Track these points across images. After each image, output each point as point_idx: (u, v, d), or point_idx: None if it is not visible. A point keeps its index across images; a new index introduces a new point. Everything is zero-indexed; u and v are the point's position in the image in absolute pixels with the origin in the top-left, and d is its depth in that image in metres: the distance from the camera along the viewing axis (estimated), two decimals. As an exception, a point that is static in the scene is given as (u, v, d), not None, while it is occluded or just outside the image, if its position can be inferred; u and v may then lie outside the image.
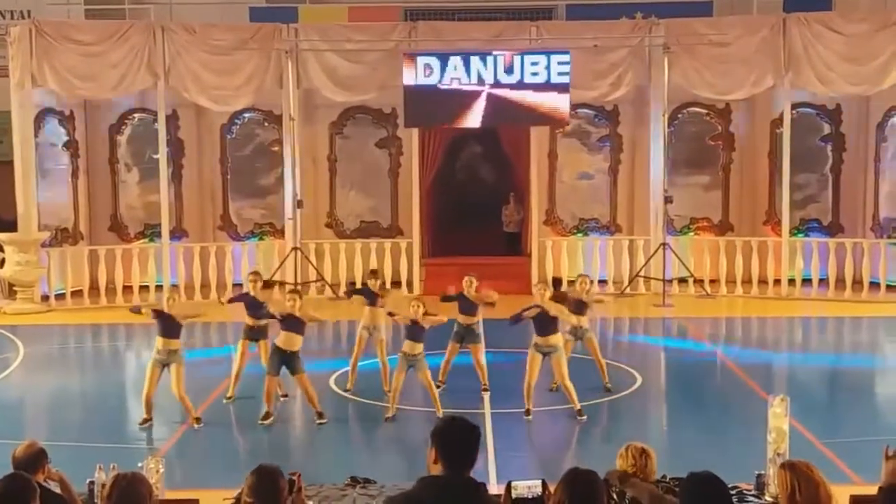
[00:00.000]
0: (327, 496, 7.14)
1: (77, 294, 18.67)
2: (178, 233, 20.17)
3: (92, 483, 6.72)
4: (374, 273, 12.89)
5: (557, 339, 10.88)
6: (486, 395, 11.83)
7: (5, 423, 11.00)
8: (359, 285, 18.68)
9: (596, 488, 4.30)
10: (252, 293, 12.17)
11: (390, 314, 11.64)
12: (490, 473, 8.98)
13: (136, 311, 11.58)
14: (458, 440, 4.25)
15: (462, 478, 4.21)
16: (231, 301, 13.18)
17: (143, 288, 18.85)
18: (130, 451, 9.46)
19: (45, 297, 18.46)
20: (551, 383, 11.64)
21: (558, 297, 11.60)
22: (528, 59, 18.24)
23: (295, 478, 4.97)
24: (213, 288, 18.81)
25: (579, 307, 11.86)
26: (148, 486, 4.79)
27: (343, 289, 18.74)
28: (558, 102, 18.37)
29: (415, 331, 10.85)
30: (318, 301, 18.03)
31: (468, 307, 11.79)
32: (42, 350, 15.44)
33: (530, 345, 10.95)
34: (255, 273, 12.82)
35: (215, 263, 19.01)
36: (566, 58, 18.16)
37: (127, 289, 18.78)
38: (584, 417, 10.81)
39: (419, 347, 10.86)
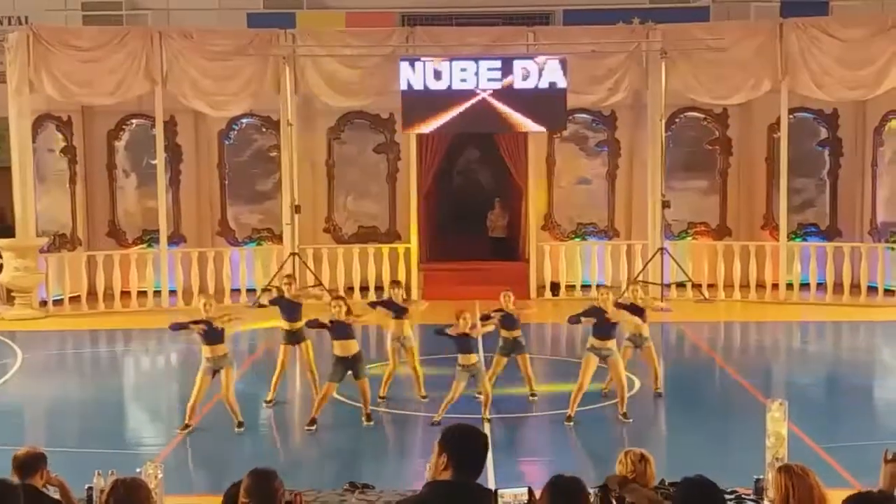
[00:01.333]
0: (326, 501, 7.14)
1: (75, 300, 18.66)
2: (176, 238, 20.17)
3: (90, 489, 6.72)
4: (396, 283, 12.64)
5: (613, 343, 10.96)
6: (533, 401, 11.91)
7: (4, 429, 10.98)
8: (356, 291, 18.77)
9: (579, 495, 4.30)
10: (287, 296, 12.16)
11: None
12: (489, 480, 8.98)
13: (180, 327, 11.10)
14: (471, 448, 4.27)
15: (470, 483, 4.23)
16: (271, 303, 12.60)
17: (142, 293, 18.85)
18: (129, 457, 9.43)
19: (44, 303, 18.45)
20: (602, 388, 11.87)
21: (618, 307, 11.62)
22: (526, 63, 18.28)
23: (293, 498, 4.95)
24: (212, 293, 18.78)
25: (636, 313, 11.88)
26: (146, 491, 4.79)
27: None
28: (556, 107, 18.39)
29: (465, 343, 10.81)
30: (317, 306, 17.99)
31: (509, 322, 11.77)
32: (40, 356, 15.43)
33: (585, 348, 10.98)
34: (290, 276, 12.78)
35: (213, 269, 19.02)
36: (564, 62, 18.19)
37: (125, 294, 18.79)
38: (630, 420, 10.86)
39: (473, 358, 10.84)
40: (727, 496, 6.81)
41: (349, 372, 10.88)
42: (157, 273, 18.94)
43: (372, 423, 10.95)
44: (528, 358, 12.00)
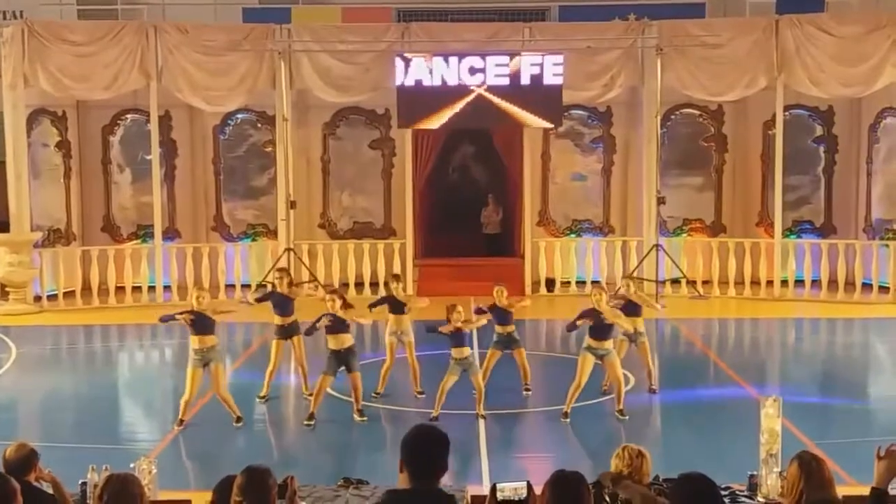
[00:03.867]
0: (320, 497, 7.12)
1: (69, 295, 18.63)
2: (170, 233, 20.14)
3: (84, 484, 6.71)
4: (396, 278, 12.62)
5: (611, 343, 10.95)
6: (528, 395, 11.97)
7: (-3, 424, 10.99)
8: (352, 287, 18.79)
9: (581, 490, 4.28)
10: (279, 290, 12.14)
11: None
12: (483, 475, 9.00)
13: (169, 319, 11.05)
14: (422, 450, 4.12)
15: (430, 489, 4.10)
16: (259, 300, 12.74)
17: (136, 289, 18.82)
18: (123, 452, 9.43)
19: (38, 298, 18.42)
20: (602, 384, 11.83)
21: (614, 304, 11.57)
22: (521, 60, 18.26)
23: (289, 481, 4.97)
24: (207, 289, 18.74)
25: (633, 310, 11.88)
26: (140, 486, 4.78)
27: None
28: (551, 103, 18.39)
29: (458, 337, 10.86)
30: (313, 302, 17.98)
31: (502, 317, 11.79)
32: (34, 351, 15.41)
33: (581, 347, 10.97)
34: (283, 270, 12.76)
35: (208, 264, 18.99)
36: (559, 59, 18.18)
37: (119, 290, 18.76)
38: (626, 417, 10.86)
39: (466, 351, 10.90)
40: (721, 492, 6.82)
41: (342, 366, 10.89)
42: (151, 268, 18.91)
43: (365, 419, 10.94)
44: (524, 352, 12.00)
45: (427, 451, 4.12)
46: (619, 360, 11.11)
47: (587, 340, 10.92)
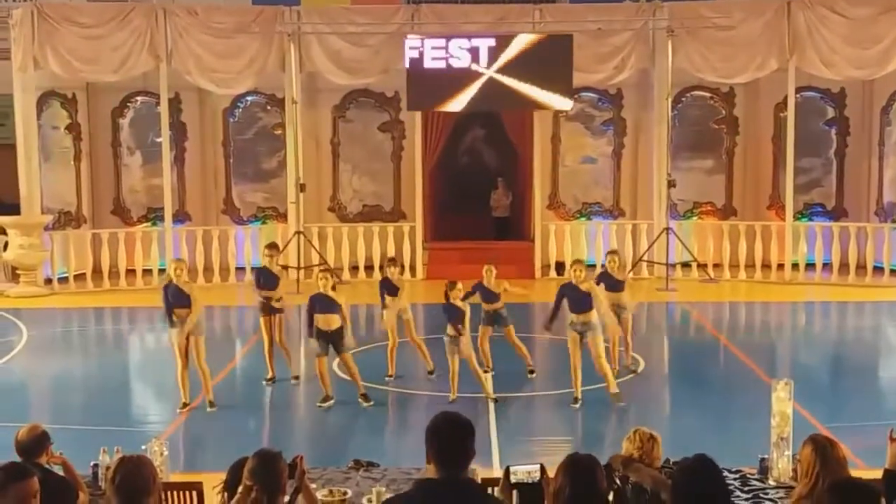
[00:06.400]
0: (331, 479, 7.13)
1: (80, 277, 18.69)
2: (180, 216, 20.17)
3: (96, 466, 6.72)
4: (392, 261, 12.59)
5: (593, 315, 10.77)
6: (531, 377, 11.97)
7: (9, 406, 11.02)
8: (361, 270, 18.80)
9: (595, 473, 4.28)
10: (268, 267, 12.14)
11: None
12: (493, 458, 8.99)
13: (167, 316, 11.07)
14: (447, 440, 4.07)
15: (458, 478, 4.05)
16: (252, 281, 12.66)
17: (147, 272, 18.86)
18: (134, 434, 9.45)
19: (49, 281, 18.48)
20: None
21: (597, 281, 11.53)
22: (532, 41, 18.19)
23: (298, 461, 4.99)
24: (217, 272, 18.82)
25: (616, 286, 11.85)
26: (151, 468, 4.78)
27: (346, 274, 18.80)
28: (561, 86, 18.31)
29: (454, 314, 10.81)
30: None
31: (487, 295, 11.81)
32: (45, 333, 15.46)
33: (566, 326, 10.89)
34: (272, 246, 12.77)
35: (218, 247, 19.03)
36: (570, 41, 18.10)
37: (130, 272, 18.81)
38: (623, 403, 10.75)
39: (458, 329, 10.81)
40: (732, 475, 6.80)
41: (331, 346, 10.83)
42: (161, 251, 18.94)
43: (371, 403, 10.90)
44: (514, 331, 11.95)
45: (450, 439, 4.07)
46: (602, 339, 10.87)
47: (569, 316, 10.83)
